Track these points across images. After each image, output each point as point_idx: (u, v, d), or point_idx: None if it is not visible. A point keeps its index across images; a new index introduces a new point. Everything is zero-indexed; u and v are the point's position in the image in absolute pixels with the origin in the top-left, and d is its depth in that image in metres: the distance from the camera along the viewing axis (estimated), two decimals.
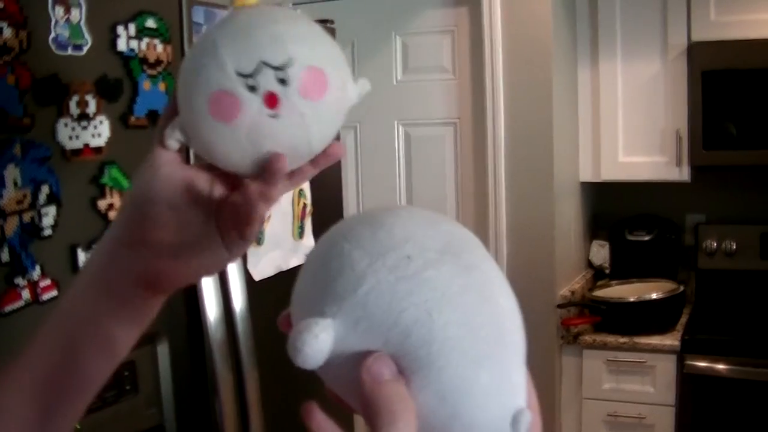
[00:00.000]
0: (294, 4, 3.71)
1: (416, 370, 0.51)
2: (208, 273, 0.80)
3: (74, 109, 1.42)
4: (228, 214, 0.77)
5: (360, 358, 0.52)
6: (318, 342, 0.51)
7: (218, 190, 0.78)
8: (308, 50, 0.74)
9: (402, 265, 0.53)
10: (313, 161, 0.79)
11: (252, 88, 0.72)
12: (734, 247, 3.78)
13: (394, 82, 3.72)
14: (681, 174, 3.60)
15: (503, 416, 0.53)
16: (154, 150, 0.76)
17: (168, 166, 0.75)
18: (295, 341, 0.51)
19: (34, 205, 1.34)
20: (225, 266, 0.79)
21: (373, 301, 0.52)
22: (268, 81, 0.72)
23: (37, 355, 0.77)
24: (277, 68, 0.72)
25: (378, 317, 0.52)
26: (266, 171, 0.74)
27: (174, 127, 0.77)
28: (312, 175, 0.81)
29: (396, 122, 3.72)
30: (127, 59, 1.55)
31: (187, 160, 0.78)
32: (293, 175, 0.78)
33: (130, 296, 0.77)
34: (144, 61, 1.59)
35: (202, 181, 0.77)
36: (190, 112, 0.74)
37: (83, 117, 1.44)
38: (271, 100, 0.72)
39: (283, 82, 0.72)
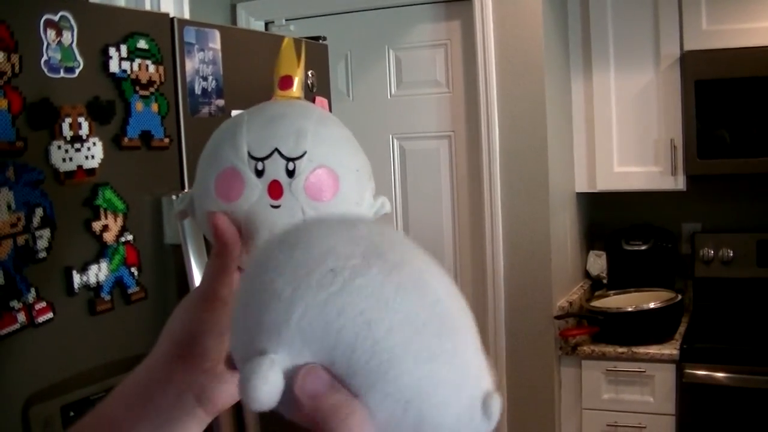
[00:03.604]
0: (287, 20, 3.72)
1: (371, 384, 0.49)
2: None
3: (67, 132, 1.43)
4: None
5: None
6: (269, 384, 0.49)
7: None
8: (326, 150, 0.72)
9: (326, 281, 0.50)
10: None
11: (259, 173, 0.71)
12: (731, 255, 3.78)
13: (389, 96, 3.73)
14: (676, 183, 3.60)
15: (472, 404, 0.51)
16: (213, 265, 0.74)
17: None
18: (247, 388, 0.49)
19: (28, 228, 1.34)
20: None
21: (308, 326, 0.49)
22: (276, 169, 0.71)
23: None
24: (288, 158, 0.71)
25: (318, 341, 0.49)
26: None
27: (184, 197, 0.77)
28: None
29: (391, 136, 3.73)
30: (119, 81, 1.55)
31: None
32: None
33: (184, 415, 0.74)
34: (136, 82, 1.60)
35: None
36: (200, 183, 0.74)
37: (76, 139, 1.45)
38: (275, 189, 0.71)
39: (291, 174, 0.71)
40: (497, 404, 0.52)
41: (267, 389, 0.49)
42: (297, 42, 0.80)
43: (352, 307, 0.49)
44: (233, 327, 0.54)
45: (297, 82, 0.79)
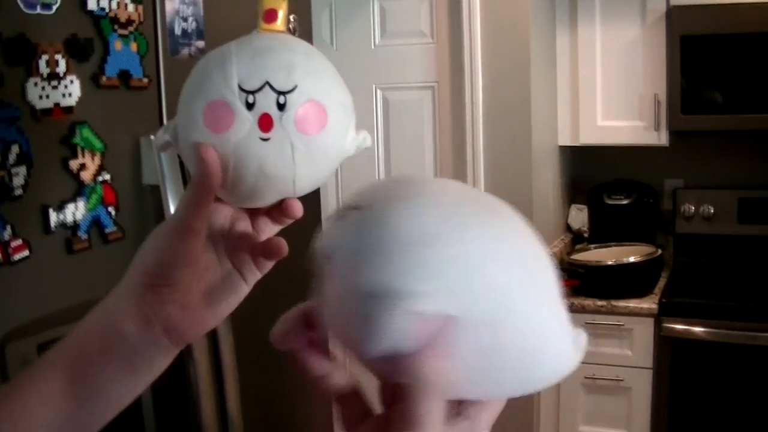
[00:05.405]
0: None
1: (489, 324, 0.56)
2: (229, 310, 0.79)
3: (44, 69, 1.41)
4: (243, 246, 0.78)
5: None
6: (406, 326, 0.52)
7: (239, 225, 0.78)
8: (316, 84, 0.74)
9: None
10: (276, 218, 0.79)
11: (250, 106, 0.71)
12: (712, 211, 3.80)
13: (372, 47, 3.70)
14: (659, 138, 3.60)
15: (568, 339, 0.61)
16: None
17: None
18: (386, 326, 0.52)
19: (4, 165, 1.32)
20: (241, 299, 0.79)
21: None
22: (267, 102, 0.71)
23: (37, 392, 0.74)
24: (279, 92, 0.72)
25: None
26: (284, 209, 0.76)
27: (168, 127, 0.76)
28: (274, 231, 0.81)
29: (374, 86, 3.71)
30: (97, 18, 1.53)
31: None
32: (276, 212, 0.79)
33: (151, 346, 0.75)
34: (115, 20, 1.57)
35: (222, 215, 0.77)
36: (186, 115, 0.74)
37: (53, 77, 1.43)
38: (265, 122, 0.71)
39: (281, 107, 0.72)
40: (584, 339, 0.63)
41: (401, 330, 0.53)
42: None
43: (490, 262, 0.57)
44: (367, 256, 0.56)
45: (282, 15, 0.79)
